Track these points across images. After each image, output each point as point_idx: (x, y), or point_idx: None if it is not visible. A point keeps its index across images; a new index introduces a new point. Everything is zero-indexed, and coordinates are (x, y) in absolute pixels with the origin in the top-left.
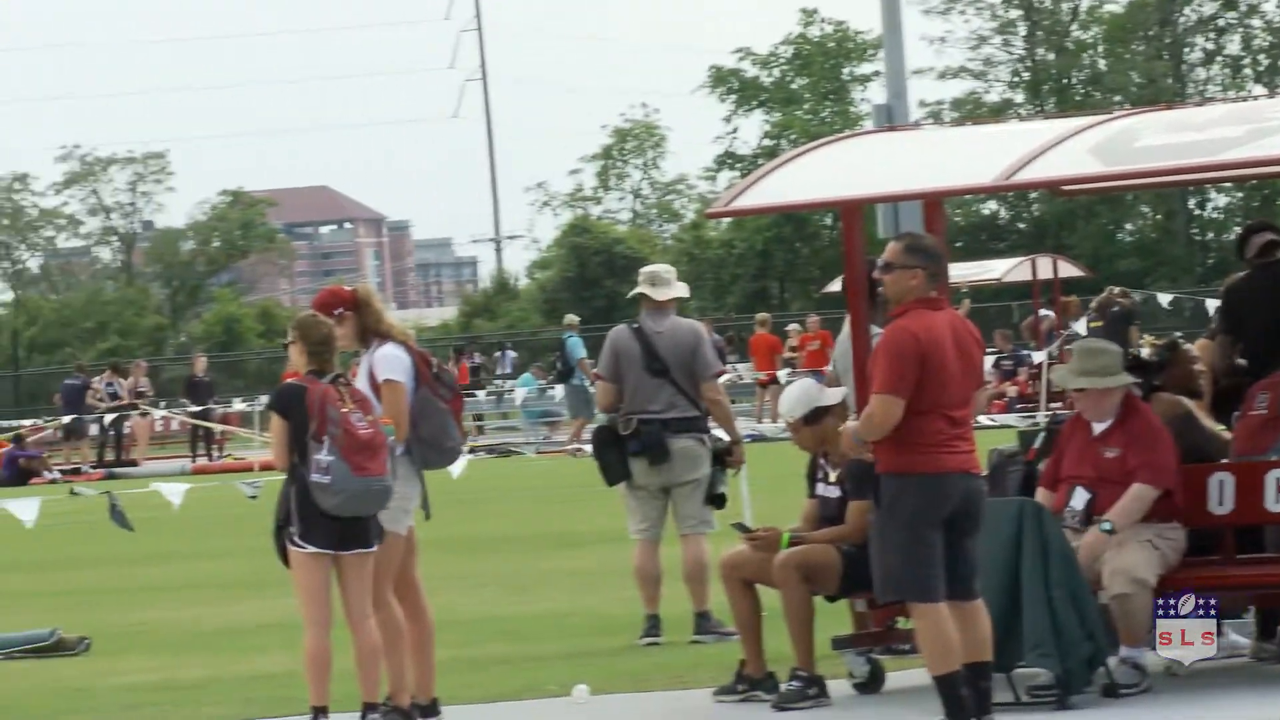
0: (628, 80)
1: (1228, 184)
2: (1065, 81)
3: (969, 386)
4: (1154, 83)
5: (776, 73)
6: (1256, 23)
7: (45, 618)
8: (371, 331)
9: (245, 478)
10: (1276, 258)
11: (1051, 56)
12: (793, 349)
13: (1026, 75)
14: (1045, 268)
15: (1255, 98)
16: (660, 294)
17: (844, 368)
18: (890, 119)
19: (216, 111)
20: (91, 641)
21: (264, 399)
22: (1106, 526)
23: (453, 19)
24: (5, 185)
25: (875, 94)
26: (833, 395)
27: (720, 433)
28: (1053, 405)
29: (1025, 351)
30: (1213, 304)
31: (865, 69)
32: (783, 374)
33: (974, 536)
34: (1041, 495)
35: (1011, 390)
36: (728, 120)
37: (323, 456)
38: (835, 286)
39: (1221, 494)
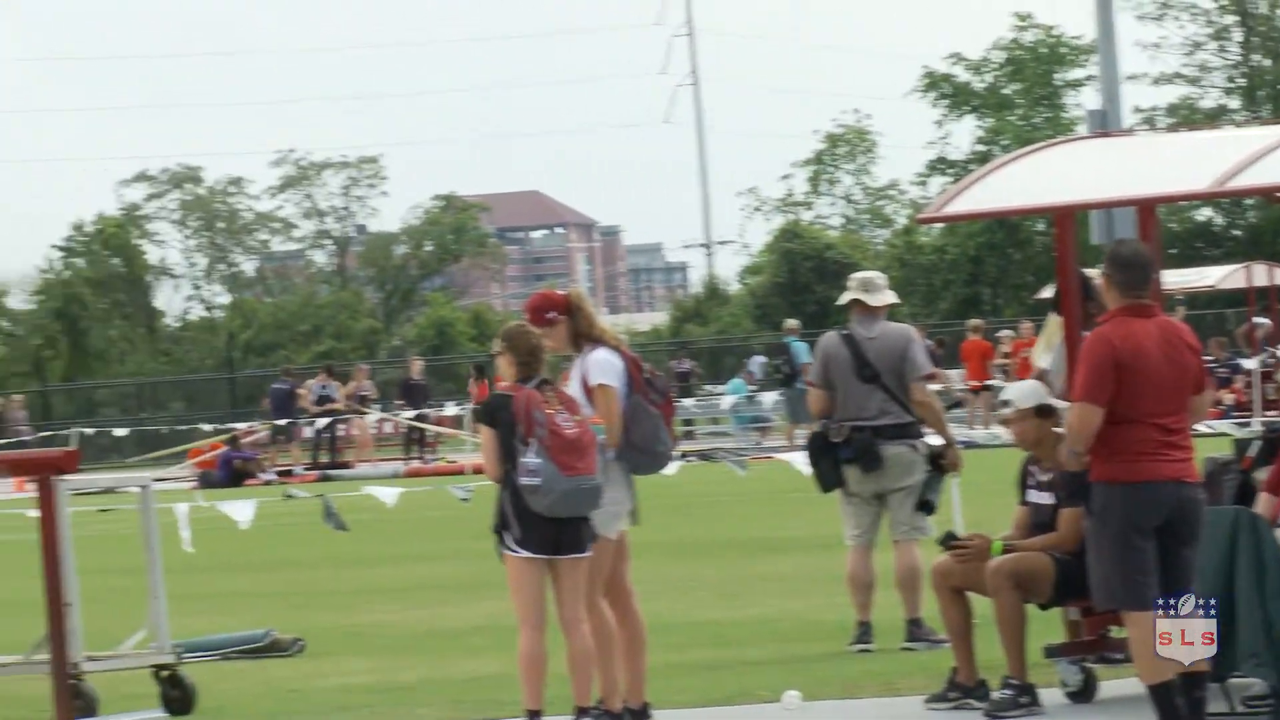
0: (839, 85)
1: None
2: None
3: (1182, 394)
4: None
5: (989, 77)
6: None
7: (260, 619)
8: (583, 336)
9: (458, 481)
10: None
11: (1268, 63)
12: (1005, 355)
13: (1242, 81)
14: (1261, 275)
15: None
16: (874, 299)
17: (1057, 370)
18: (1104, 124)
19: (429, 116)
20: (305, 643)
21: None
22: None
23: (664, 24)
24: (221, 189)
25: (1088, 99)
26: (1059, 402)
27: (934, 438)
28: (1268, 412)
29: (1240, 359)
30: None
31: (1078, 74)
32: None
33: (1192, 546)
34: (1263, 502)
35: (1228, 398)
36: (939, 125)
37: (530, 459)
38: (1048, 293)
39: None
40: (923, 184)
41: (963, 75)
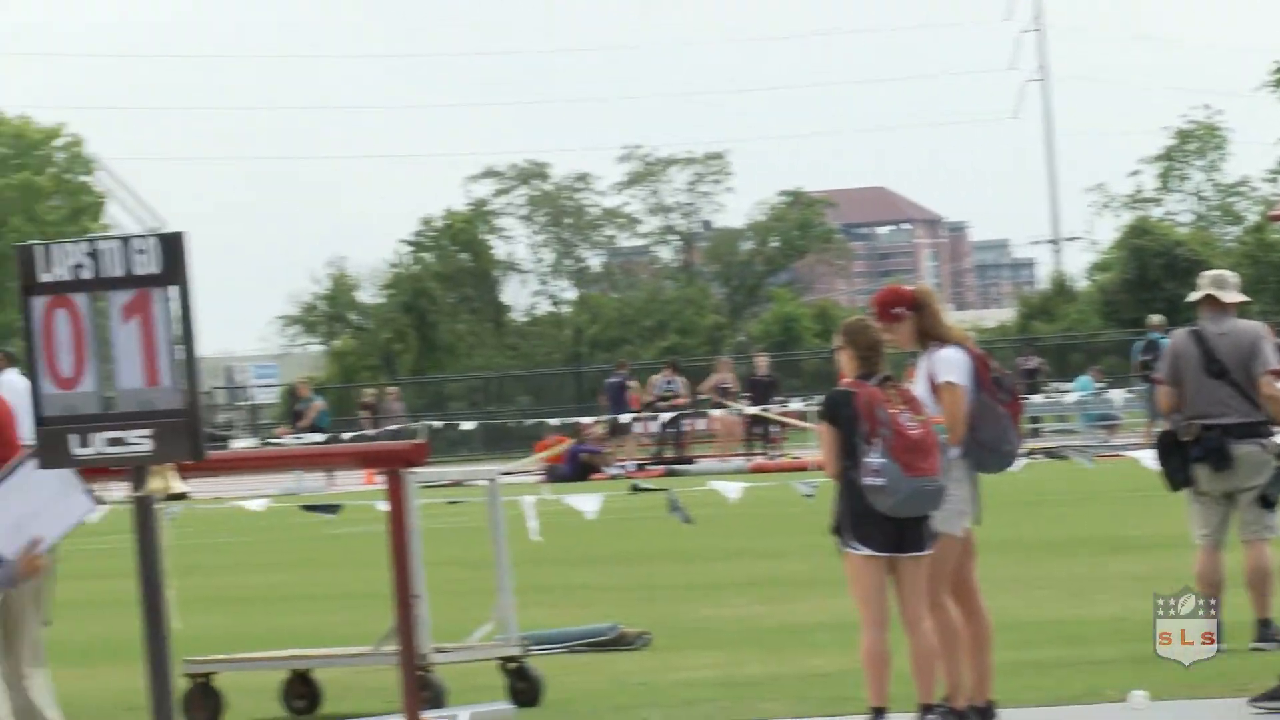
0: (1189, 79)
1: None
2: None
3: None
4: None
5: None
6: None
7: (606, 612)
8: (929, 333)
9: (802, 477)
10: None
11: None
12: None
13: None
14: None
15: None
16: (1226, 295)
17: None
18: None
19: (775, 112)
20: (652, 636)
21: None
22: None
23: (1013, 19)
24: (568, 185)
25: None
26: None
27: None
28: None
29: None
30: None
31: None
32: None
33: None
34: None
35: None
36: None
37: (874, 459)
38: None
39: None
40: (1274, 180)
41: None
